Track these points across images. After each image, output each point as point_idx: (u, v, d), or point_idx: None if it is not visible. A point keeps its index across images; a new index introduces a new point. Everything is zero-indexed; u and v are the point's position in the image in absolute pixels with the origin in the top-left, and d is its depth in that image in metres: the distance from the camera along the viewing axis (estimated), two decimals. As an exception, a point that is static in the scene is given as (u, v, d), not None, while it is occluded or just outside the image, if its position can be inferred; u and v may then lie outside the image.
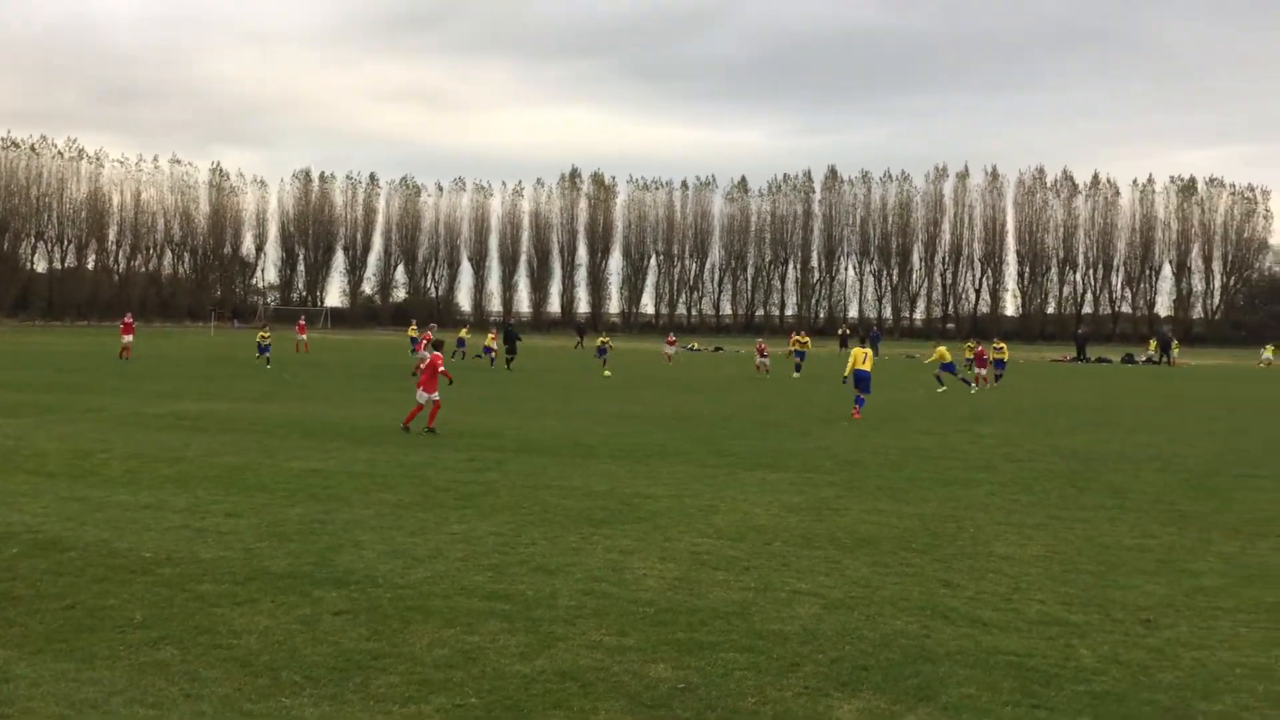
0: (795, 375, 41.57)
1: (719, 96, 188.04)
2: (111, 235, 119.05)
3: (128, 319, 45.39)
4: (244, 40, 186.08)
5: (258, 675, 6.25)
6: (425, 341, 36.91)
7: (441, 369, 19.47)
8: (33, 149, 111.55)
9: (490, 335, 48.85)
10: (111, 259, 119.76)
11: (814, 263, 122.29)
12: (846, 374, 24.81)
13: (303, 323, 58.43)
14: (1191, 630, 7.56)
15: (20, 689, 5.97)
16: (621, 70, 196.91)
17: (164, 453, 15.71)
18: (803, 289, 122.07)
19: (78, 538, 9.87)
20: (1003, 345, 40.47)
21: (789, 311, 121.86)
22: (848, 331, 71.41)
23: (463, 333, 53.45)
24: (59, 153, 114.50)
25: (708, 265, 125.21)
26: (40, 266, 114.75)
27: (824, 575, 8.95)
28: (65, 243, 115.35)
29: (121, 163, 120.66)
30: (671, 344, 53.87)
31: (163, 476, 13.53)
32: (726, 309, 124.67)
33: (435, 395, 19.14)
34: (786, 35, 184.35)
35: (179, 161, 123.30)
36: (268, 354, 41.67)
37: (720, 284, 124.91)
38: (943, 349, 35.85)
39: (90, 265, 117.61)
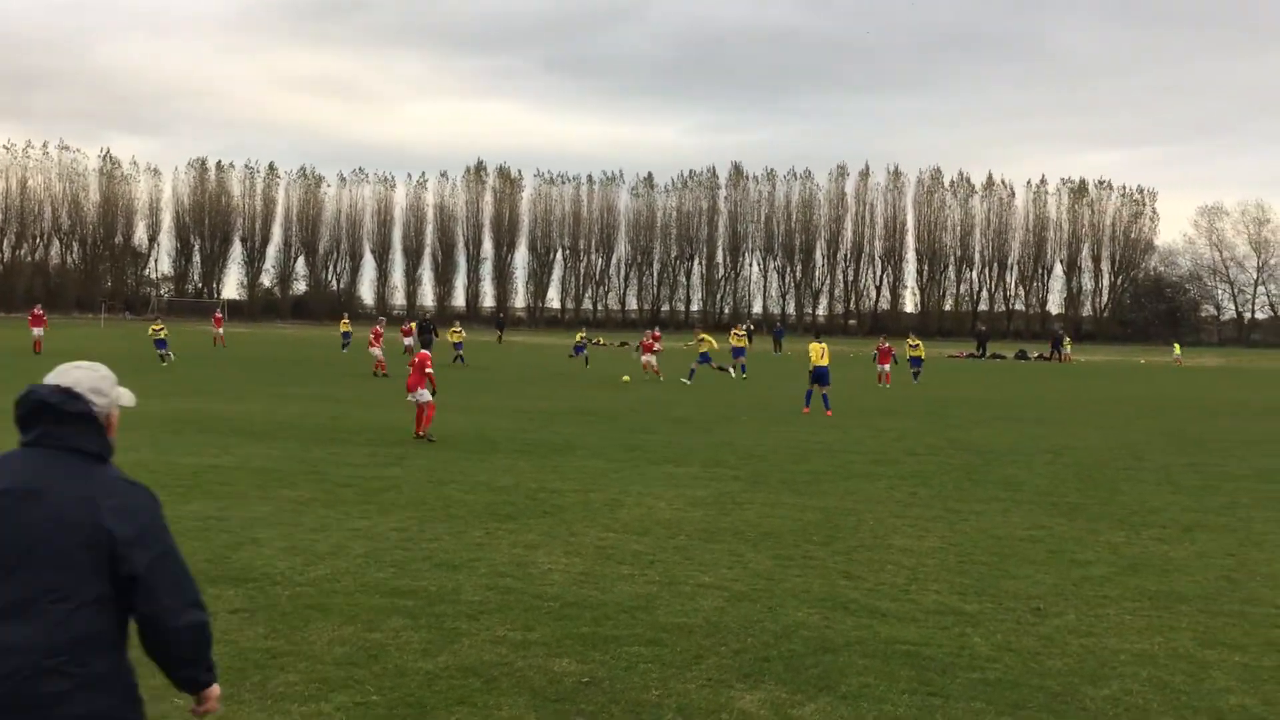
0: (740, 375, 37.36)
1: (632, 93, 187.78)
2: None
3: (37, 310, 43.21)
4: (143, 25, 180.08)
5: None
6: (377, 337, 36.66)
7: (429, 370, 17.77)
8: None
9: (404, 328, 47.57)
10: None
11: (719, 259, 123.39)
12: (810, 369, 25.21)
13: (219, 315, 56.84)
14: (1079, 618, 7.81)
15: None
16: (536, 65, 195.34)
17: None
18: (708, 285, 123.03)
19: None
20: (919, 343, 40.93)
21: (694, 307, 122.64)
22: (751, 328, 71.97)
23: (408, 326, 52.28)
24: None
25: (614, 260, 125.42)
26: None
27: (727, 568, 9.04)
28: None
29: (7, 148, 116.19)
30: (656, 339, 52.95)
31: (50, 473, 13.05)
32: (632, 304, 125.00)
33: (428, 396, 17.48)
34: (701, 33, 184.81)
35: (67, 148, 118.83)
36: (166, 349, 38.37)
37: (626, 279, 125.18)
38: (708, 337, 35.32)
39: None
